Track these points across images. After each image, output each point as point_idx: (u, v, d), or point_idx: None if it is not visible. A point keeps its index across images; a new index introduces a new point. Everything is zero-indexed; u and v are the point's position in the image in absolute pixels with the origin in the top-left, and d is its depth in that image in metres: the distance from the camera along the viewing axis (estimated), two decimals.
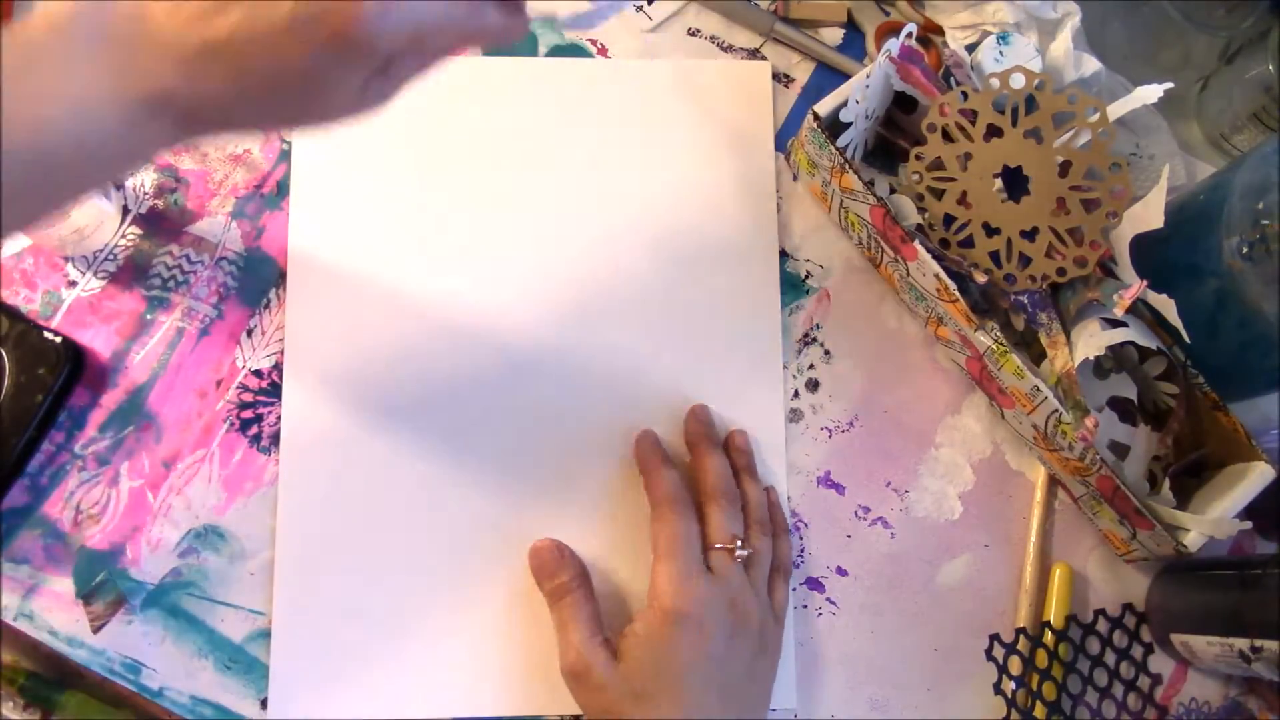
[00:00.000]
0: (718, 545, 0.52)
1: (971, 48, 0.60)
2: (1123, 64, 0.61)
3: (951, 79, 0.59)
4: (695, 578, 0.51)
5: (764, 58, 0.63)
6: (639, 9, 0.63)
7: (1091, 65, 0.59)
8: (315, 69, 0.36)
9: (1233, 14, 0.62)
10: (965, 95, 0.54)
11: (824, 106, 0.56)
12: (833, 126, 0.57)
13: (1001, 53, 0.58)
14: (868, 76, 0.56)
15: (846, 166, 0.55)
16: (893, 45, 0.56)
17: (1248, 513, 0.54)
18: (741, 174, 0.61)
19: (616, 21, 0.63)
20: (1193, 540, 0.53)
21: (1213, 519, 0.53)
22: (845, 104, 0.56)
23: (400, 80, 0.40)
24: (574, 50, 0.63)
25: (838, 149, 0.55)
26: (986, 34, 0.60)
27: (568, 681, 0.51)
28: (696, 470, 0.55)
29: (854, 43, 0.64)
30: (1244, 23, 0.62)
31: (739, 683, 0.51)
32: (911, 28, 0.56)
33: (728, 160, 0.62)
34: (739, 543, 0.52)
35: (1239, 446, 0.55)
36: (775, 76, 0.63)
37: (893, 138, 0.61)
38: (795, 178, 0.62)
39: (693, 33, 0.64)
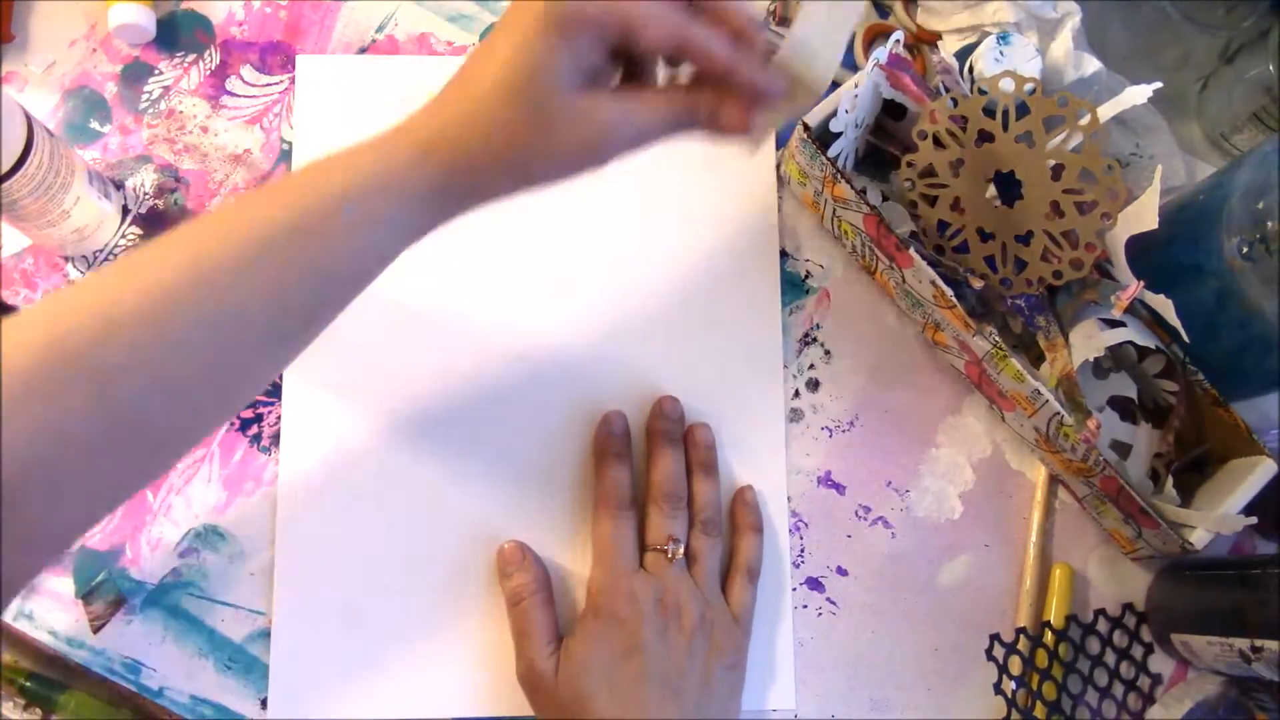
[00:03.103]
0: (652, 547, 0.53)
1: (971, 48, 0.60)
2: (1123, 64, 0.61)
3: (941, 86, 0.59)
4: (623, 578, 0.51)
5: None
6: None
7: (1092, 65, 0.59)
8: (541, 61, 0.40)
9: (1233, 14, 0.62)
10: (955, 101, 0.54)
11: (814, 117, 0.56)
12: (823, 136, 0.57)
13: (1001, 53, 0.58)
14: (856, 85, 0.56)
15: (838, 176, 0.55)
16: (880, 53, 0.56)
17: (1248, 511, 0.54)
18: (742, 174, 0.61)
19: None
20: (1199, 538, 0.53)
21: (1217, 515, 0.53)
22: (835, 114, 0.56)
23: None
24: None
25: (829, 159, 0.55)
26: (986, 34, 0.60)
27: (523, 689, 0.52)
28: (647, 467, 0.55)
29: (853, 45, 0.64)
30: (1244, 23, 0.62)
31: (689, 682, 0.50)
32: (899, 34, 0.56)
33: (728, 160, 0.62)
34: (673, 543, 0.53)
35: (1241, 441, 0.55)
36: None
37: (883, 145, 0.61)
38: (785, 184, 0.61)
39: None
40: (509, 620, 0.53)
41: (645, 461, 0.56)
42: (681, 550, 0.53)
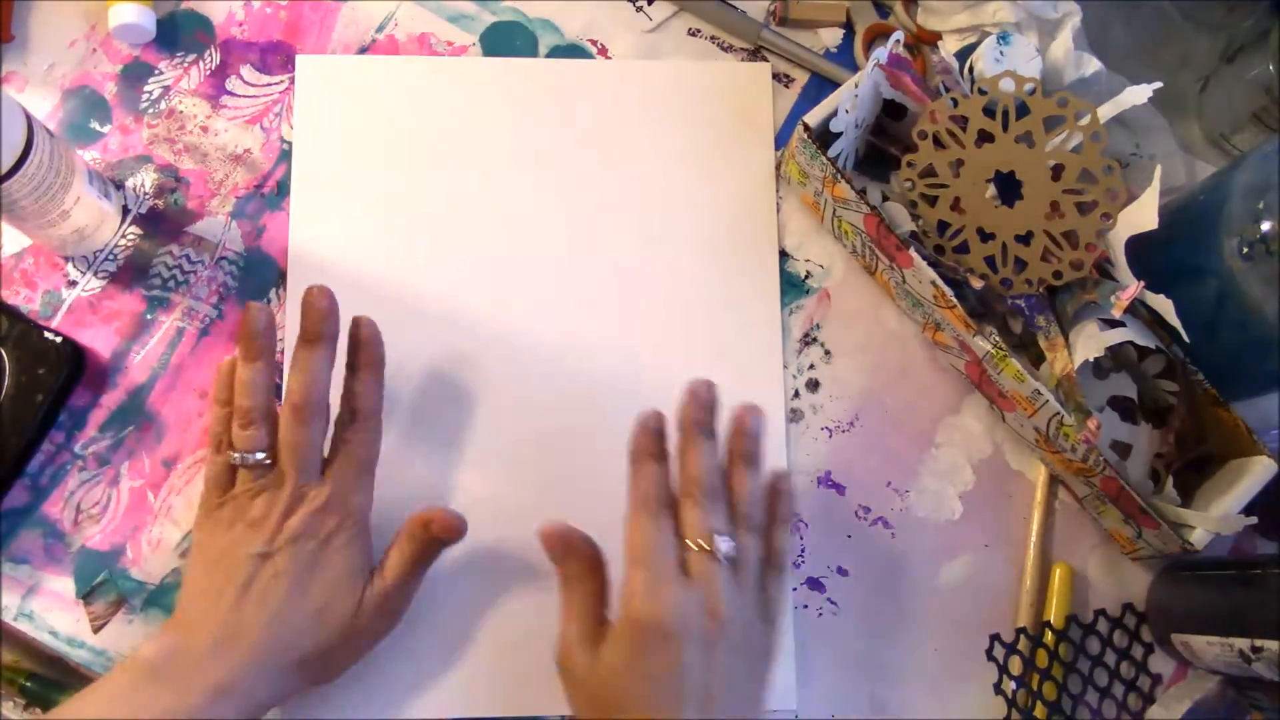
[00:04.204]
0: (693, 545, 0.48)
1: (971, 48, 0.60)
2: (1123, 64, 0.61)
3: (941, 86, 0.59)
4: (666, 584, 0.47)
5: (764, 58, 0.63)
6: (639, 9, 0.63)
7: (1092, 65, 0.59)
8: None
9: (1233, 14, 0.62)
10: (955, 102, 0.54)
11: (814, 117, 0.56)
12: (823, 136, 0.57)
13: (1002, 53, 0.58)
14: (856, 85, 0.56)
15: (838, 176, 0.55)
16: (880, 53, 0.56)
17: (1248, 511, 0.54)
18: (742, 174, 0.62)
19: (616, 21, 0.63)
20: (1199, 538, 0.53)
21: (1218, 515, 0.53)
22: (835, 114, 0.56)
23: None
24: (574, 50, 0.63)
25: (829, 159, 0.55)
26: (986, 34, 0.60)
27: (560, 671, 0.49)
28: (679, 459, 0.51)
29: (852, 44, 0.64)
30: (1244, 22, 0.62)
31: (723, 693, 0.47)
32: (899, 34, 0.56)
33: (728, 160, 0.62)
34: (720, 540, 0.48)
35: (1240, 441, 0.55)
36: (775, 76, 0.63)
37: (884, 145, 0.61)
38: (786, 184, 0.61)
39: (693, 33, 0.64)
40: (560, 594, 0.50)
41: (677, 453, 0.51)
42: (725, 546, 0.48)
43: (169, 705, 0.46)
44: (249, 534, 0.49)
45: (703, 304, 0.60)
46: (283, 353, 0.57)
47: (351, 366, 0.53)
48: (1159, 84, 0.52)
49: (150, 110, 0.60)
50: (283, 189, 0.59)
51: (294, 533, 0.49)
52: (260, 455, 0.50)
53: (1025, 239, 0.55)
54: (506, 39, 0.62)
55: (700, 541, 0.48)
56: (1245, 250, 0.51)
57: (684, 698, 0.46)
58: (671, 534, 0.49)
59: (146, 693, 0.46)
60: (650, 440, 0.51)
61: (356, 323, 0.53)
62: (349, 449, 0.51)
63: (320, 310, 0.51)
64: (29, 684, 0.56)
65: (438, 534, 0.52)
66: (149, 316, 0.57)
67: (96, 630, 0.54)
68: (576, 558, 0.50)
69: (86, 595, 0.54)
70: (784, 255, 0.61)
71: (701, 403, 0.51)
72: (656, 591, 0.47)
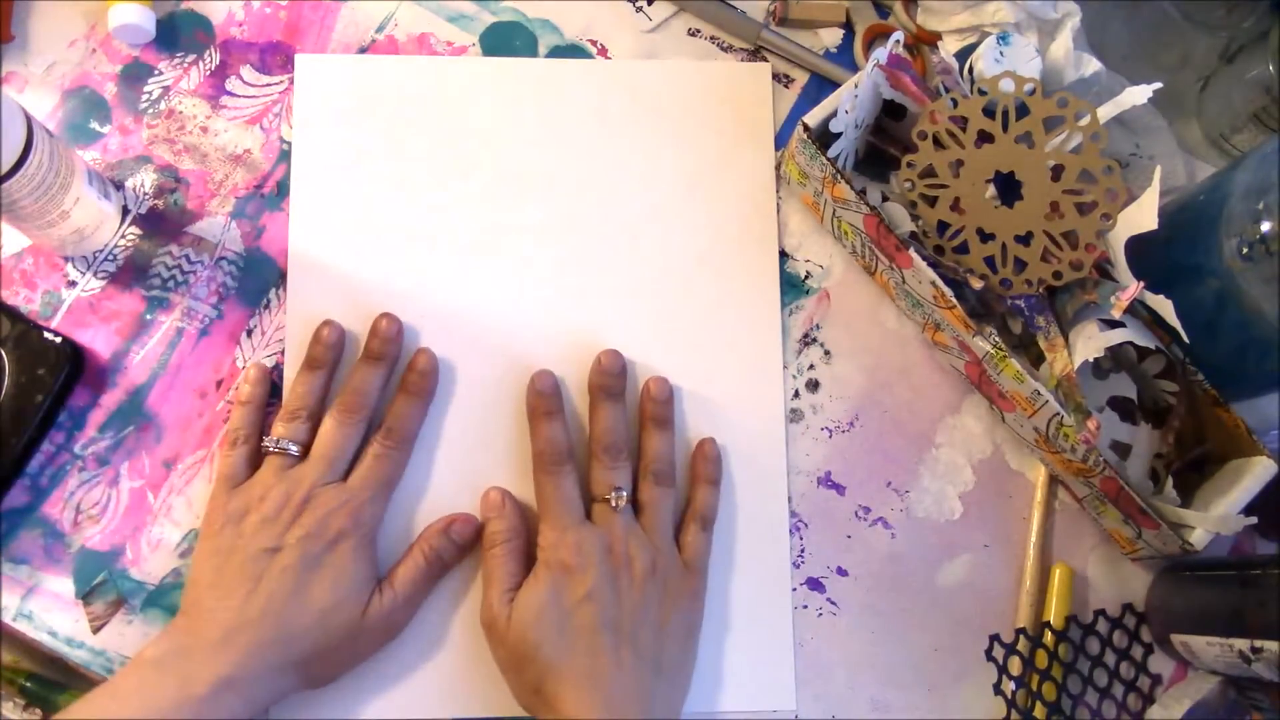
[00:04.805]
0: (596, 499, 0.54)
1: (971, 48, 0.60)
2: (1123, 64, 0.61)
3: (941, 86, 0.59)
4: (569, 530, 0.52)
5: (764, 58, 0.63)
6: (639, 9, 0.63)
7: (1092, 65, 0.59)
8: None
9: (1233, 14, 0.62)
10: (955, 102, 0.54)
11: (813, 117, 0.56)
12: (822, 137, 0.57)
13: (1001, 53, 0.58)
14: (856, 86, 0.56)
15: (838, 176, 0.55)
16: (880, 53, 0.56)
17: (1248, 511, 0.54)
18: (741, 174, 0.62)
19: (617, 21, 0.63)
20: (1199, 538, 0.53)
21: (1218, 516, 0.53)
22: (835, 114, 0.56)
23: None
24: (574, 50, 0.63)
25: (829, 159, 0.55)
26: (986, 34, 0.60)
27: (485, 632, 0.53)
28: (589, 423, 0.56)
29: (852, 44, 0.64)
30: (1244, 23, 0.62)
31: (643, 628, 0.51)
32: (899, 35, 0.56)
33: (728, 160, 0.62)
34: (615, 492, 0.53)
35: (1240, 441, 0.55)
36: (775, 76, 0.63)
37: (883, 145, 0.61)
38: (786, 184, 0.61)
39: (693, 33, 0.64)
40: (482, 564, 0.54)
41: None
42: (625, 499, 0.53)
43: (175, 697, 0.46)
44: (260, 529, 0.50)
45: (703, 304, 0.60)
46: (282, 354, 0.57)
47: (402, 389, 0.55)
48: (1159, 84, 0.52)
49: (150, 110, 0.60)
50: (282, 189, 0.59)
51: (304, 531, 0.50)
52: (295, 447, 0.53)
53: (1025, 239, 0.55)
54: (506, 39, 0.62)
55: (601, 495, 0.53)
56: (1245, 250, 0.51)
57: (598, 625, 0.50)
58: (573, 487, 0.54)
59: (153, 686, 0.47)
60: (540, 400, 0.55)
61: (419, 351, 0.56)
62: (375, 463, 0.53)
63: (385, 336, 0.55)
64: (29, 684, 0.56)
65: (457, 536, 0.54)
66: (148, 317, 0.57)
67: (96, 631, 0.54)
68: (504, 522, 0.54)
69: (86, 595, 0.54)
70: (784, 255, 0.61)
71: (604, 369, 0.56)
72: (562, 537, 0.52)
